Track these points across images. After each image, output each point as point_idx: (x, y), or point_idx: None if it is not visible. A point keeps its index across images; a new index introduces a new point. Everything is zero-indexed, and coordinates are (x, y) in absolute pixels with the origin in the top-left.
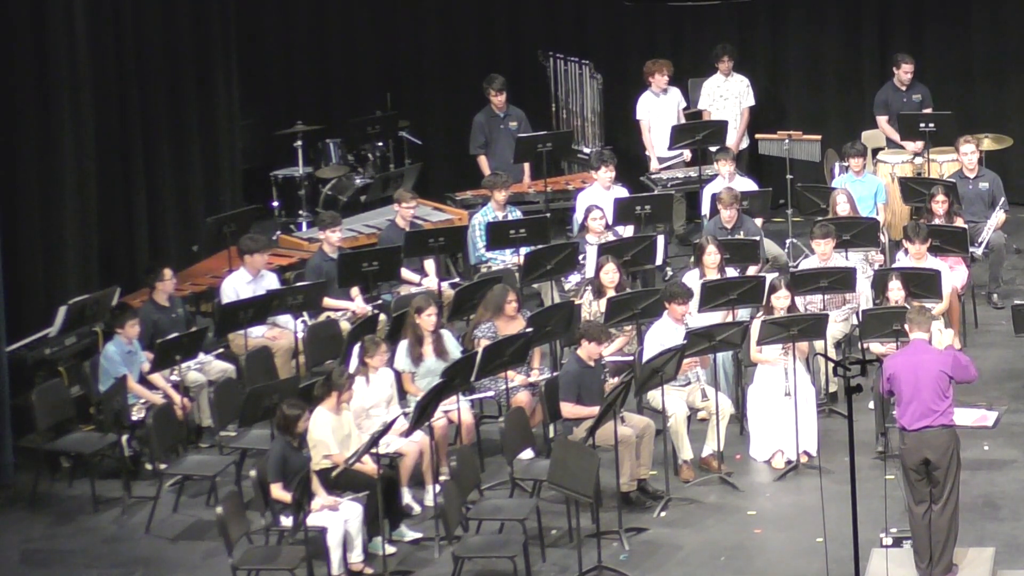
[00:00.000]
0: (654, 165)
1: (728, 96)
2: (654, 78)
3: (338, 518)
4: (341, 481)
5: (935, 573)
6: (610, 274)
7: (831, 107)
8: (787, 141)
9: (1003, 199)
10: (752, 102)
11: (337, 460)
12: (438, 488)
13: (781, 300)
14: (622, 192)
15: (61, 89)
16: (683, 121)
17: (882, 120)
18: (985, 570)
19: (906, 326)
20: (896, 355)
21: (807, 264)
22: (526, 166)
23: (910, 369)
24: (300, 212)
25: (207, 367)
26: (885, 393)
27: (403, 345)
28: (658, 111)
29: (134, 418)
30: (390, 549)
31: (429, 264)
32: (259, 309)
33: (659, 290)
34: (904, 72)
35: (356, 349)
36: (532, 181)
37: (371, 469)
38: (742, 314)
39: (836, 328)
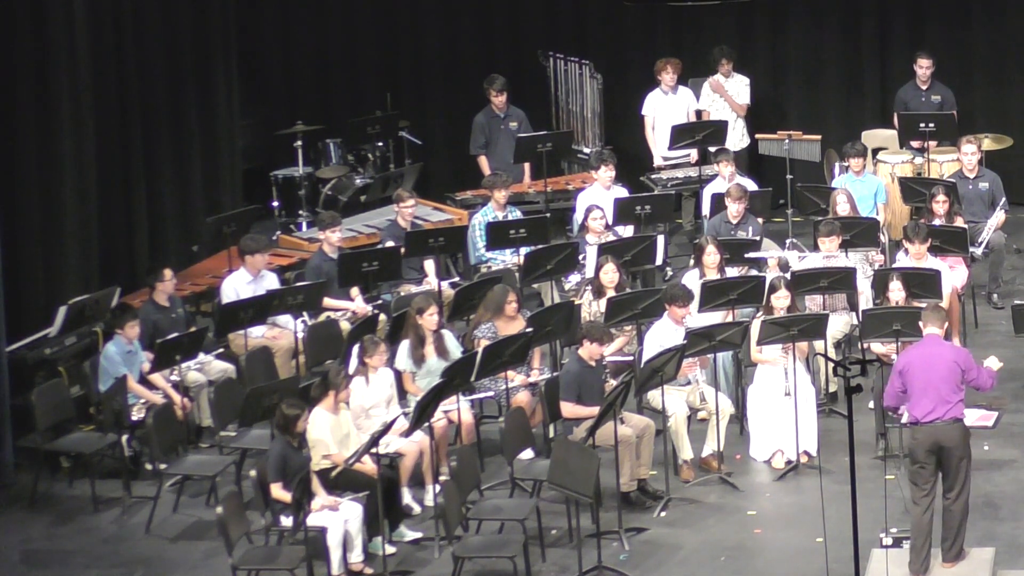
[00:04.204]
0: (657, 162)
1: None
2: (663, 76)
3: (338, 518)
4: (341, 481)
5: (946, 558)
6: (610, 274)
7: (831, 107)
8: (787, 141)
9: (1003, 199)
10: (747, 100)
11: (336, 460)
12: (438, 488)
13: (781, 300)
14: (622, 192)
15: (61, 89)
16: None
17: (897, 118)
18: (985, 570)
19: (920, 323)
20: (909, 349)
21: (807, 264)
22: (526, 166)
23: (923, 361)
24: (300, 212)
25: (207, 367)
26: (896, 393)
27: (404, 345)
28: (665, 109)
29: (134, 418)
30: (390, 549)
31: (429, 264)
32: (259, 309)
33: (659, 290)
34: (920, 68)
35: (356, 349)
36: (532, 181)
37: (371, 469)
38: (742, 314)
39: (836, 328)
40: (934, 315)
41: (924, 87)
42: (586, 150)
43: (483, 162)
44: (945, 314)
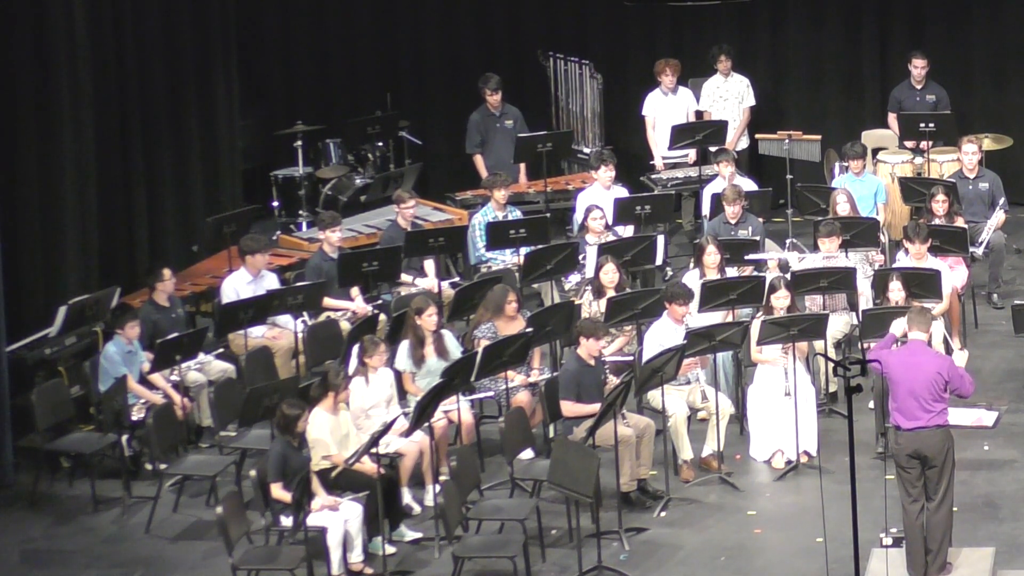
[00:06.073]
0: (658, 163)
1: (728, 97)
2: (663, 77)
3: (338, 518)
4: (341, 481)
5: (930, 571)
6: (610, 274)
7: (831, 107)
8: (787, 141)
9: (1003, 199)
10: (753, 102)
11: (336, 460)
12: (438, 488)
13: (781, 300)
14: (622, 192)
15: (61, 89)
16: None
17: (891, 117)
18: (985, 570)
19: (904, 325)
20: (893, 353)
21: (806, 264)
22: (522, 166)
23: (906, 369)
24: (300, 212)
25: (207, 367)
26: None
27: (404, 346)
28: (665, 110)
29: (134, 418)
30: (390, 549)
31: (429, 264)
32: (259, 309)
33: (659, 290)
34: (915, 68)
35: (356, 349)
36: (530, 181)
37: (371, 469)
38: (742, 314)
39: (836, 328)
40: (920, 319)
41: (919, 87)
42: (586, 150)
43: (479, 161)
44: (931, 318)
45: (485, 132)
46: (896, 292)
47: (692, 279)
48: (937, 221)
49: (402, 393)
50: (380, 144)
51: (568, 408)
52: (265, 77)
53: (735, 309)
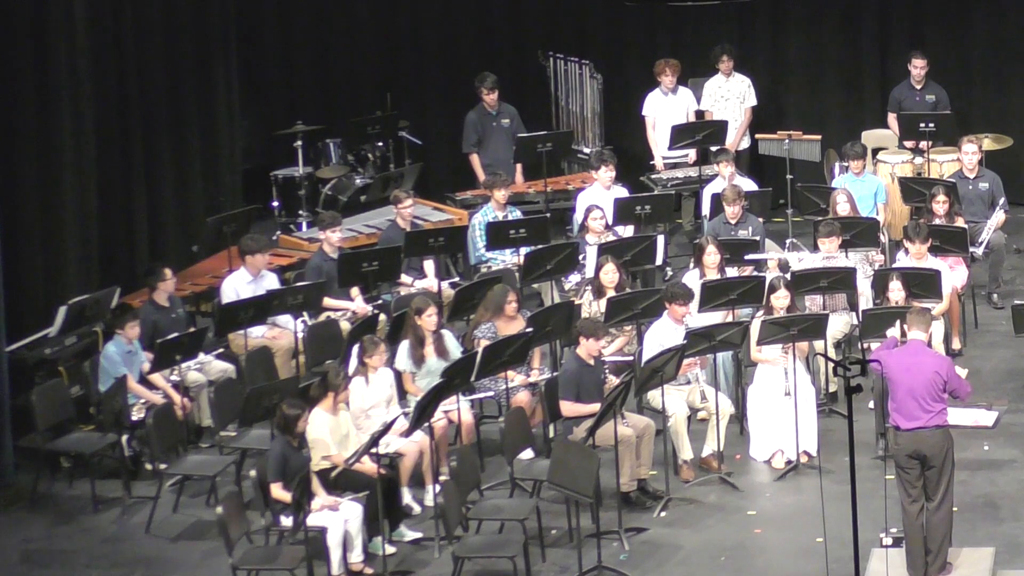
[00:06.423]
0: (658, 163)
1: (729, 97)
2: (663, 77)
3: (338, 518)
4: (341, 481)
5: (931, 572)
6: (610, 274)
7: (831, 107)
8: (787, 141)
9: (1003, 199)
10: (754, 102)
11: (336, 460)
12: (438, 488)
13: (781, 300)
14: (622, 192)
15: (61, 89)
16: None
17: (891, 117)
18: (985, 570)
19: (905, 326)
20: (892, 354)
21: (806, 264)
22: (518, 166)
23: (905, 369)
24: (300, 212)
25: (207, 367)
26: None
27: (404, 346)
28: (665, 110)
29: (134, 418)
30: (390, 549)
31: (429, 264)
32: (259, 309)
33: (659, 290)
34: (915, 68)
35: (356, 349)
36: (528, 181)
37: (371, 469)
38: (742, 314)
39: (836, 328)
40: (920, 319)
41: (919, 87)
42: (586, 150)
43: (475, 160)
44: (931, 318)
45: (482, 131)
46: (896, 292)
47: (692, 279)
48: (937, 221)
49: (402, 393)
50: (380, 144)
51: (568, 408)
52: (265, 77)
53: (735, 309)
